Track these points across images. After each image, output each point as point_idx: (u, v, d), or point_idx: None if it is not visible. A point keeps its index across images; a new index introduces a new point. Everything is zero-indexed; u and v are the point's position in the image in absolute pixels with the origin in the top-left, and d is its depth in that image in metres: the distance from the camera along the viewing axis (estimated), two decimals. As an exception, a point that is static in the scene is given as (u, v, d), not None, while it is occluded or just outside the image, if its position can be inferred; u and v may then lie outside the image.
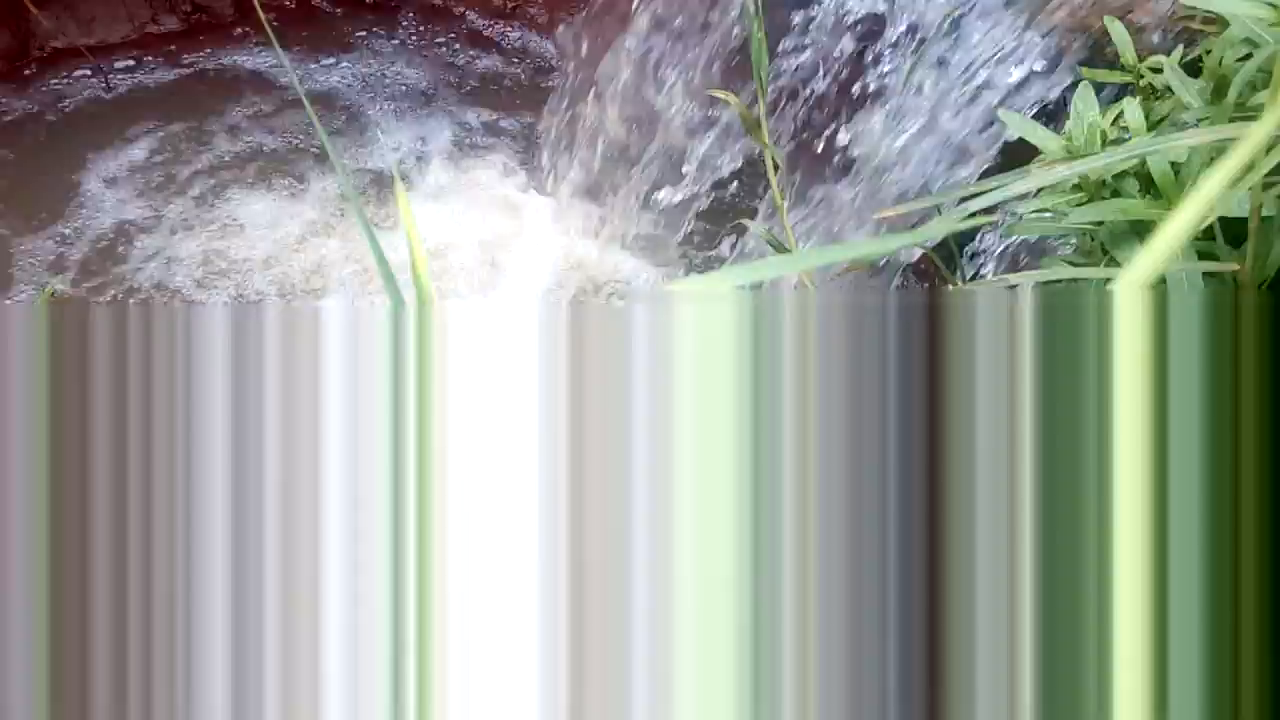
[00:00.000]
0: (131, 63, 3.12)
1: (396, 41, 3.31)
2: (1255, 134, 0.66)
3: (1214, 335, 0.59)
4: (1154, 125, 1.22)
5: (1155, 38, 1.32)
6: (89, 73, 3.09)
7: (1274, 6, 0.91)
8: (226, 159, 2.95)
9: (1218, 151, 0.96)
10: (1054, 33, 1.46)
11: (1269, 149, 0.96)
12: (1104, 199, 1.09)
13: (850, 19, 1.79)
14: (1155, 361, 0.58)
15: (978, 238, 1.41)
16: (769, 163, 1.93)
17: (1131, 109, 1.09)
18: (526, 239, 2.83)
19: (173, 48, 3.17)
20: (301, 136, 3.02)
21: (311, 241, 2.80)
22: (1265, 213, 1.02)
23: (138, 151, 2.97)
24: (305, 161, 2.96)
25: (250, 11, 3.26)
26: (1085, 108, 1.13)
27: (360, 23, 3.38)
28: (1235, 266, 0.97)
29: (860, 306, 0.56)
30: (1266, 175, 1.01)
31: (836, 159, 1.75)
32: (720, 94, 1.92)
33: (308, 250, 2.78)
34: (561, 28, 3.35)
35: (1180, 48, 1.21)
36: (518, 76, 3.29)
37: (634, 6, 2.63)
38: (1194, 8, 1.07)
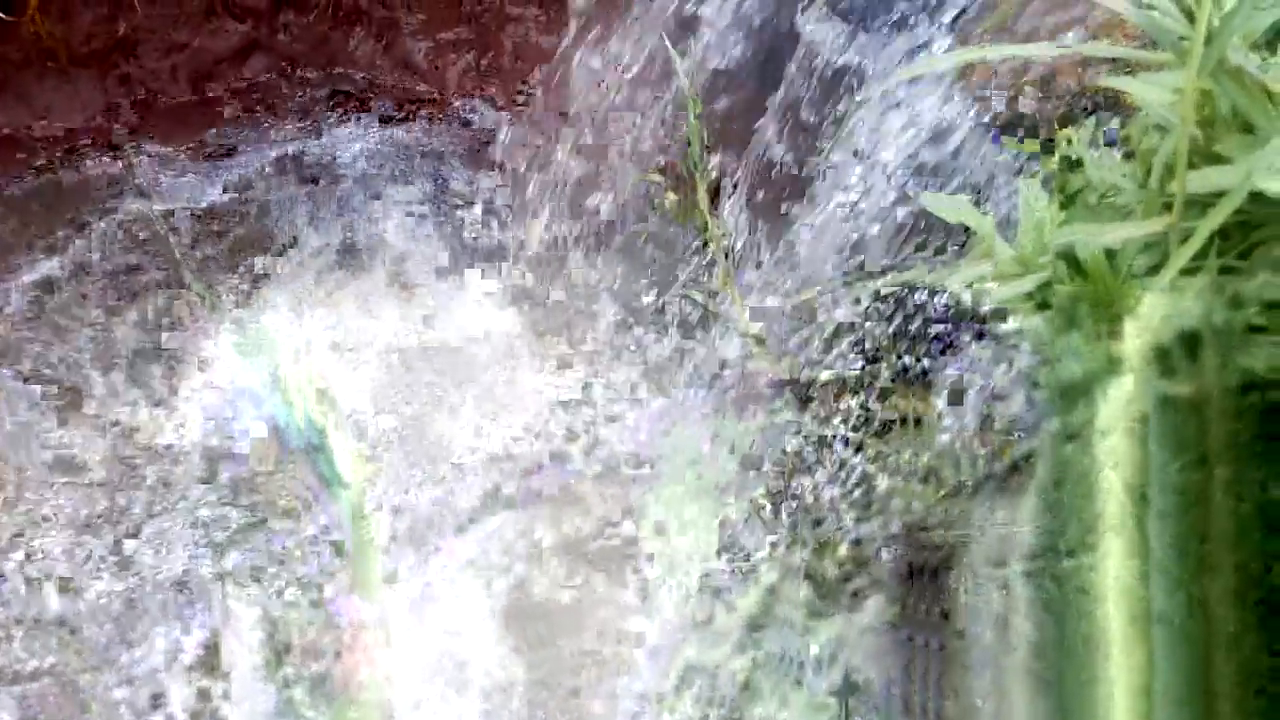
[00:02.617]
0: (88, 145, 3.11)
1: (365, 123, 3.31)
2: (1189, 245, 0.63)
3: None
4: (1073, 197, 1.19)
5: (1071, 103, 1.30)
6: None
7: (1179, 90, 0.89)
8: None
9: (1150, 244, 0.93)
10: (978, 98, 1.45)
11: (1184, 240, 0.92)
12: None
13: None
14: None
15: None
16: (714, 243, 1.89)
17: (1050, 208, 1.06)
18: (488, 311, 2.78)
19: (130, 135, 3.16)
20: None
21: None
22: (1216, 320, 0.97)
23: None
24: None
25: (210, 95, 3.26)
26: (1034, 208, 1.09)
27: (331, 106, 3.38)
28: (1187, 389, 0.93)
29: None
30: (1214, 275, 0.96)
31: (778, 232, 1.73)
32: (655, 178, 1.90)
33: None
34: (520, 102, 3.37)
35: (1094, 118, 1.19)
36: (477, 148, 3.29)
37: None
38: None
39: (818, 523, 1.45)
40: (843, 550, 1.38)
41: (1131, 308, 0.96)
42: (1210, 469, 0.88)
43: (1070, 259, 1.05)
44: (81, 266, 2.78)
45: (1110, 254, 1.04)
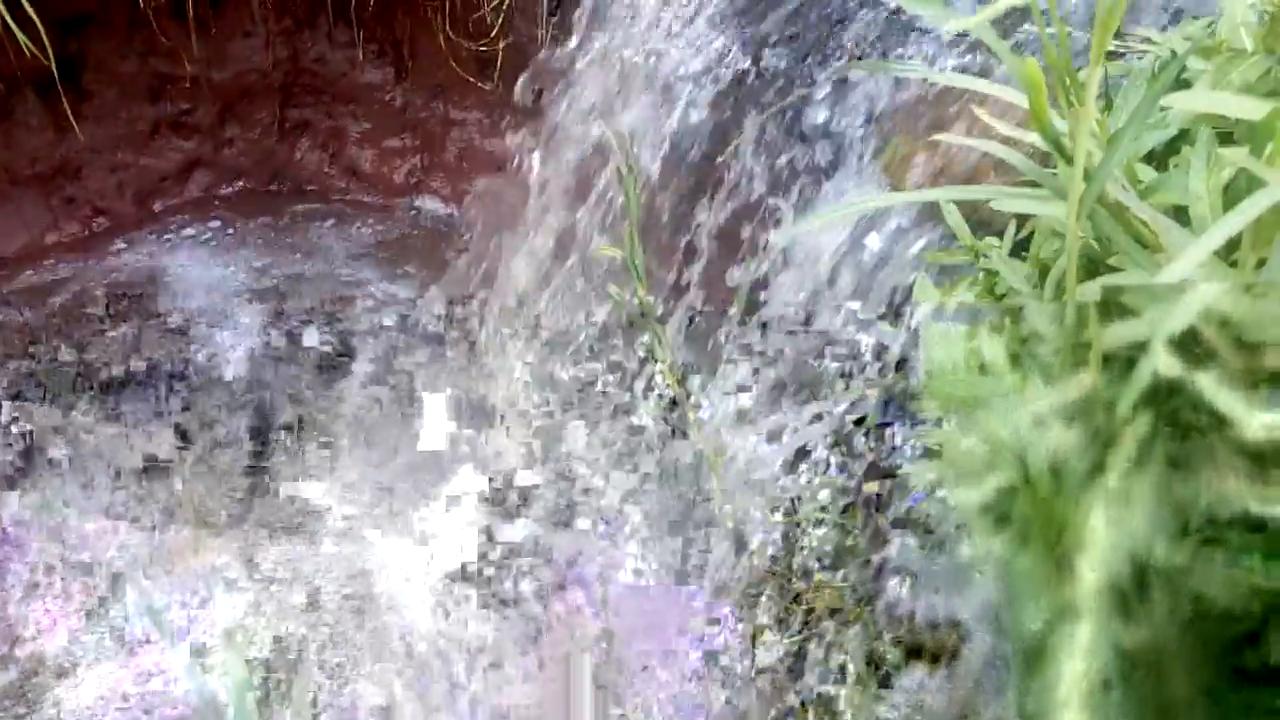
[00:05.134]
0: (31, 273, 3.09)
1: (314, 223, 3.32)
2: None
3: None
4: (998, 298, 1.21)
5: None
6: None
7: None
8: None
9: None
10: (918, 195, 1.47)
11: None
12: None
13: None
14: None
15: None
16: (655, 334, 1.90)
17: (992, 348, 1.03)
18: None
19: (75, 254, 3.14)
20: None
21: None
22: (1160, 554, 0.86)
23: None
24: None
25: (156, 208, 3.27)
26: (938, 345, 1.06)
27: (273, 208, 3.39)
28: (1143, 636, 0.85)
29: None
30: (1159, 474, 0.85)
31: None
32: (614, 292, 1.91)
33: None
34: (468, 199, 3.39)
35: (1012, 225, 1.21)
36: (427, 242, 3.31)
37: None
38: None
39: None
40: None
41: (1081, 531, 0.82)
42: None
43: (1019, 461, 0.91)
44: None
45: (1054, 464, 0.89)
